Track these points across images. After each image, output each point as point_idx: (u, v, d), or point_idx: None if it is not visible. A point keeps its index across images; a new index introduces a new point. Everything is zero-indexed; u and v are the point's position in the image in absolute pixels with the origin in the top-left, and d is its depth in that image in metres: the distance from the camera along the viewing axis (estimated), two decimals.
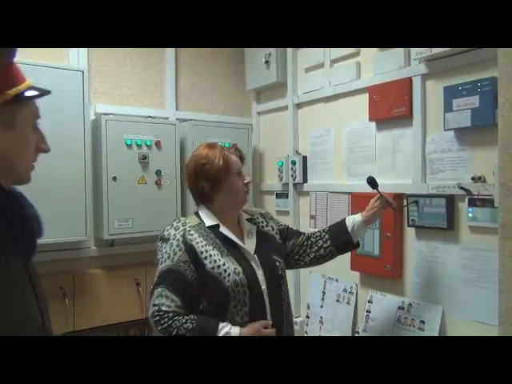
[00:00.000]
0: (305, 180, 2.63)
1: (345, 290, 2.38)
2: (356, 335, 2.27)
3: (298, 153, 2.67)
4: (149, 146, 2.44)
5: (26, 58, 2.14)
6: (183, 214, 2.53)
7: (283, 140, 2.79)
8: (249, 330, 1.46)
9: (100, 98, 2.48)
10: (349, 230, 1.76)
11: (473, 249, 1.79)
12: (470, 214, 1.78)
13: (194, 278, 1.46)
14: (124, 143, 2.37)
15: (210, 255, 1.49)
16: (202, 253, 1.48)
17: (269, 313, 1.55)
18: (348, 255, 2.26)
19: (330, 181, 2.48)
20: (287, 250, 1.78)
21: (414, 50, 1.96)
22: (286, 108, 2.75)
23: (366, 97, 2.22)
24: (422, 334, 1.94)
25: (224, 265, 1.49)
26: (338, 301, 2.41)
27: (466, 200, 1.79)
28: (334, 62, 2.43)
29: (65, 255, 2.33)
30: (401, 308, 2.06)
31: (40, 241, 2.24)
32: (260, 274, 1.56)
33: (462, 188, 1.80)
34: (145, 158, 2.43)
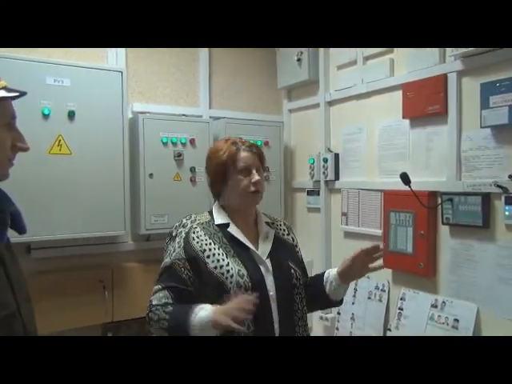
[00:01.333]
0: (336, 177, 2.64)
1: (377, 288, 2.38)
2: (388, 333, 2.27)
3: (329, 150, 2.69)
4: (183, 144, 2.51)
5: (67, 60, 2.24)
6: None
7: (314, 137, 2.81)
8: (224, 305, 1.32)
9: (137, 97, 2.56)
10: (324, 281, 1.56)
11: (509, 247, 1.78)
12: (507, 213, 1.76)
13: (188, 276, 1.41)
14: (160, 141, 2.44)
15: (214, 254, 1.42)
16: (204, 251, 1.42)
17: (276, 321, 1.42)
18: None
19: (362, 178, 2.49)
20: None
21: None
22: (317, 105, 2.77)
23: (399, 94, 2.21)
24: (455, 332, 1.93)
25: (228, 265, 1.41)
26: (369, 298, 2.42)
27: (503, 198, 1.77)
28: (366, 59, 2.43)
29: (104, 249, 2.43)
30: (434, 306, 2.05)
31: (81, 235, 2.33)
32: (270, 279, 1.44)
33: (498, 186, 1.78)
34: (180, 155, 2.49)
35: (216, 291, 1.39)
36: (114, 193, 2.28)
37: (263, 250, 1.49)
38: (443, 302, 2.02)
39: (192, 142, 2.53)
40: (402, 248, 2.18)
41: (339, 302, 1.61)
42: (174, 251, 1.45)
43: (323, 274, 1.59)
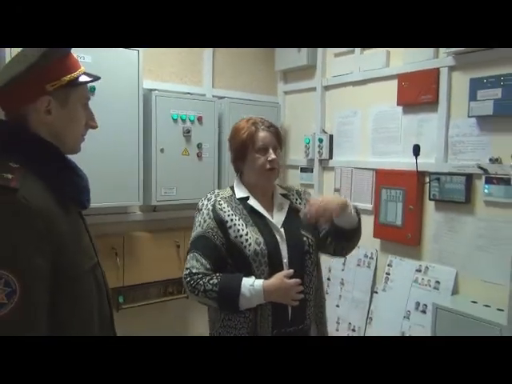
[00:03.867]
0: (330, 157, 2.89)
1: (365, 256, 2.68)
2: (375, 295, 2.58)
3: (324, 131, 2.92)
4: (192, 121, 2.66)
5: None
6: (219, 184, 2.78)
7: (308, 119, 3.03)
8: (273, 281, 1.47)
9: (146, 74, 2.67)
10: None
11: (487, 220, 2.10)
12: (486, 190, 2.08)
13: (221, 242, 1.54)
14: (171, 117, 2.58)
15: (235, 224, 1.55)
16: (227, 222, 1.55)
17: None
18: (370, 224, 2.56)
19: (354, 158, 2.75)
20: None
21: None
22: (313, 89, 2.98)
23: (394, 83, 2.46)
24: (436, 292, 2.26)
25: (247, 234, 1.53)
26: (358, 265, 2.71)
27: (483, 178, 2.08)
28: (363, 49, 2.66)
29: (116, 219, 2.57)
30: (418, 270, 2.37)
31: (101, 204, 2.45)
32: (284, 247, 1.56)
33: (480, 168, 2.08)
34: (188, 131, 2.65)
35: (238, 258, 1.53)
36: (129, 166, 2.42)
37: (277, 219, 1.61)
38: (426, 267, 2.34)
39: (199, 119, 2.69)
40: (391, 221, 2.47)
41: (355, 227, 1.61)
42: (204, 221, 1.56)
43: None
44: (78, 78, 1.06)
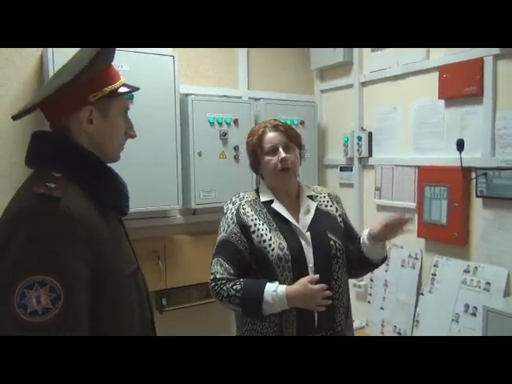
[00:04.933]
0: (370, 154, 2.81)
1: (410, 256, 2.58)
2: (421, 297, 2.48)
3: (363, 129, 2.85)
4: (228, 124, 2.67)
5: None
6: (257, 187, 2.77)
7: (347, 117, 2.97)
8: (296, 287, 1.44)
9: (183, 79, 2.71)
10: (361, 244, 1.60)
11: None
12: None
13: (245, 247, 1.52)
14: (207, 121, 2.60)
15: (258, 229, 1.52)
16: (250, 227, 1.52)
17: None
18: (414, 223, 2.46)
19: (395, 155, 2.66)
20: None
21: None
22: (350, 86, 2.92)
23: (434, 75, 2.36)
24: (487, 294, 2.14)
25: (270, 239, 1.50)
26: (402, 266, 2.62)
27: None
28: None
29: (156, 223, 2.62)
30: (466, 271, 2.26)
31: (138, 209, 2.50)
32: (309, 251, 1.52)
33: None
34: (225, 134, 2.66)
35: (261, 263, 1.50)
36: (168, 170, 2.46)
37: (303, 223, 1.56)
38: (475, 267, 2.22)
39: (236, 121, 2.69)
40: (436, 219, 2.37)
41: (382, 261, 1.65)
42: (228, 226, 1.55)
43: (359, 238, 1.63)
44: (118, 88, 1.09)
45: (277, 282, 1.46)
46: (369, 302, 2.81)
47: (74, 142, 1.06)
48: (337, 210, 1.68)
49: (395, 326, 2.60)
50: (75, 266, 0.92)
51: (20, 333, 0.85)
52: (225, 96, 2.81)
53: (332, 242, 1.55)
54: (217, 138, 2.64)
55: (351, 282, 2.96)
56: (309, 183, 3.22)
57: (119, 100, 1.10)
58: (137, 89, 1.15)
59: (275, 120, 1.65)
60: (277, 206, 1.58)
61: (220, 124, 2.65)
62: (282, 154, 1.54)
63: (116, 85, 1.08)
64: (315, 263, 1.51)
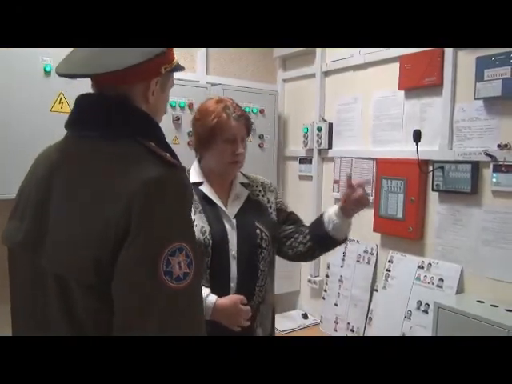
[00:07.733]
0: (330, 146, 2.73)
1: (365, 251, 2.51)
2: (375, 293, 2.42)
3: (323, 120, 2.76)
4: (182, 108, 2.53)
5: None
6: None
7: (308, 107, 2.88)
8: (226, 303, 1.38)
9: None
10: (325, 223, 1.53)
11: (495, 212, 1.92)
12: (494, 179, 1.90)
13: None
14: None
15: None
16: None
17: (234, 279, 1.45)
18: (370, 217, 2.40)
19: (355, 147, 2.58)
20: (280, 234, 1.62)
21: None
22: (313, 76, 2.82)
23: (395, 66, 2.29)
24: (440, 290, 2.08)
25: (193, 221, 1.39)
26: (358, 261, 2.55)
27: (491, 166, 1.90)
28: None
29: None
30: (420, 267, 2.20)
31: None
32: (233, 238, 1.47)
33: (487, 154, 1.90)
34: (178, 119, 2.52)
35: None
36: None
37: (231, 209, 1.52)
38: (429, 263, 2.17)
39: (190, 106, 2.56)
40: (392, 213, 2.30)
41: (343, 241, 1.58)
42: None
43: (321, 217, 1.56)
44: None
45: (208, 289, 1.39)
46: (323, 298, 2.72)
47: (143, 110, 1.00)
48: (268, 201, 1.62)
49: (349, 323, 2.53)
50: (193, 228, 0.98)
51: (172, 301, 0.84)
52: (180, 79, 2.66)
53: (258, 231, 1.51)
54: (169, 122, 2.50)
55: (304, 277, 2.91)
56: (267, 176, 3.10)
57: (172, 76, 1.09)
58: (183, 68, 1.12)
59: (237, 106, 1.54)
60: (205, 188, 1.52)
61: (173, 108, 2.51)
62: (240, 148, 1.50)
63: (175, 61, 1.06)
64: (238, 251, 1.47)
